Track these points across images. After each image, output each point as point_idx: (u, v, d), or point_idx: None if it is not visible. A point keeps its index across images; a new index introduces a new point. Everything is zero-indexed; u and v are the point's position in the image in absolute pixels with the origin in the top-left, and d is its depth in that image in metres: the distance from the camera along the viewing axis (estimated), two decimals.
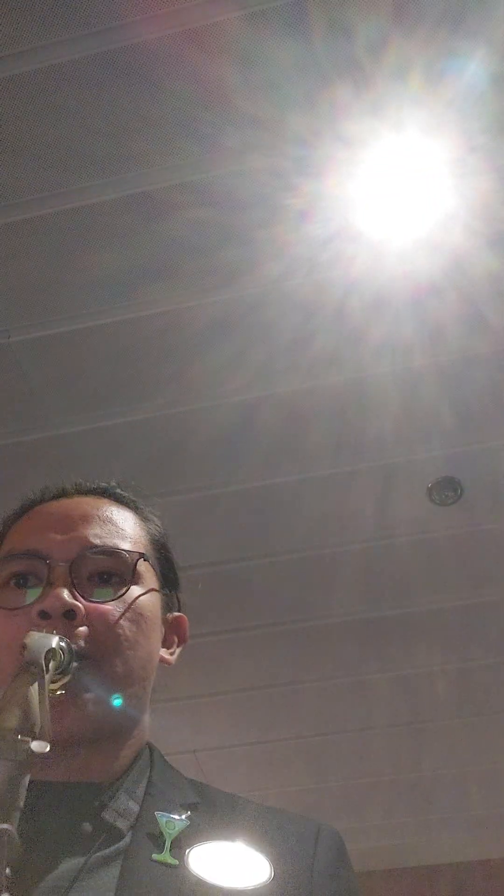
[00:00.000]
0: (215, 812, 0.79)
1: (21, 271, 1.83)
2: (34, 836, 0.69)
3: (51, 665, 0.67)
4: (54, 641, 0.68)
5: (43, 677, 0.63)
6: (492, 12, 1.47)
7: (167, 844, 0.72)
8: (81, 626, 0.76)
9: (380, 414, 2.12)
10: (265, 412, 2.11)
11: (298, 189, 1.71)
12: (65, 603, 0.76)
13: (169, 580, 0.91)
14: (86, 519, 0.85)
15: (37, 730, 0.58)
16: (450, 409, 2.11)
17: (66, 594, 0.77)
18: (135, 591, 0.82)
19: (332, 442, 2.18)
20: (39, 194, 1.70)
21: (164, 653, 0.88)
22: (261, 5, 1.46)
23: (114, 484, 0.93)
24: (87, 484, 0.92)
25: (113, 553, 0.83)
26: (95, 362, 2.01)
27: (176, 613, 0.92)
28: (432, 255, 1.82)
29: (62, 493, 0.91)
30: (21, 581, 0.81)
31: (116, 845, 0.72)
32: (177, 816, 0.76)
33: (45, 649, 0.66)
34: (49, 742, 0.58)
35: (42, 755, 0.57)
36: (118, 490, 0.93)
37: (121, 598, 0.81)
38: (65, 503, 0.89)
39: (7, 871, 0.51)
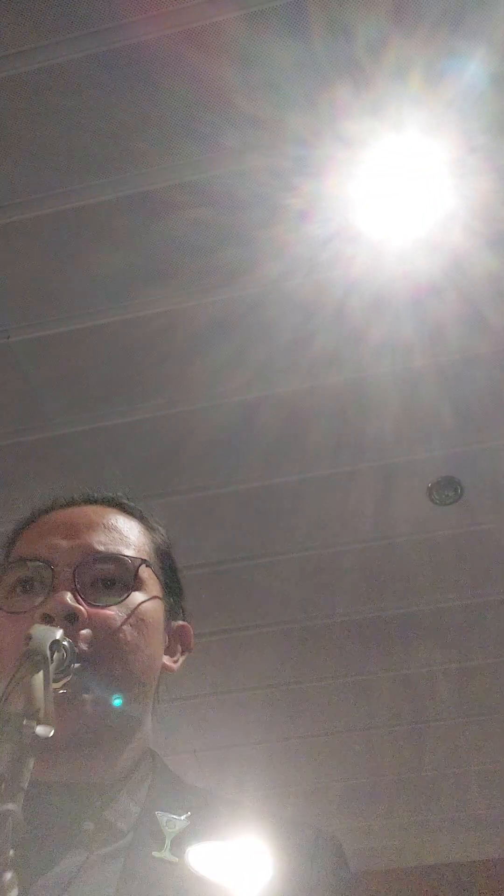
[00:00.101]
0: (216, 815, 0.80)
1: (21, 271, 1.83)
2: (36, 833, 0.70)
3: (55, 657, 0.68)
4: (59, 634, 0.70)
5: (48, 667, 0.64)
6: (492, 12, 1.47)
7: (167, 842, 0.74)
8: (83, 629, 0.77)
9: (380, 414, 2.12)
10: (265, 412, 2.11)
11: (298, 189, 1.71)
12: (67, 606, 0.77)
13: (172, 588, 0.92)
14: (91, 527, 0.86)
15: (41, 715, 0.59)
16: (450, 409, 2.11)
17: (69, 598, 0.78)
18: (137, 596, 0.83)
19: (332, 442, 2.18)
20: (39, 194, 1.70)
21: (167, 660, 0.89)
22: (260, 5, 1.46)
23: (121, 494, 0.95)
24: (95, 493, 0.94)
25: (116, 559, 0.84)
26: (95, 362, 2.01)
27: (180, 622, 0.93)
28: (432, 255, 1.82)
29: (70, 502, 0.92)
30: (27, 586, 0.82)
31: (118, 843, 0.74)
32: (177, 816, 0.76)
33: (50, 640, 0.67)
34: (53, 727, 0.59)
35: (46, 739, 0.58)
36: (125, 500, 0.94)
37: (123, 603, 0.81)
38: (72, 511, 0.90)
39: (11, 852, 0.52)
